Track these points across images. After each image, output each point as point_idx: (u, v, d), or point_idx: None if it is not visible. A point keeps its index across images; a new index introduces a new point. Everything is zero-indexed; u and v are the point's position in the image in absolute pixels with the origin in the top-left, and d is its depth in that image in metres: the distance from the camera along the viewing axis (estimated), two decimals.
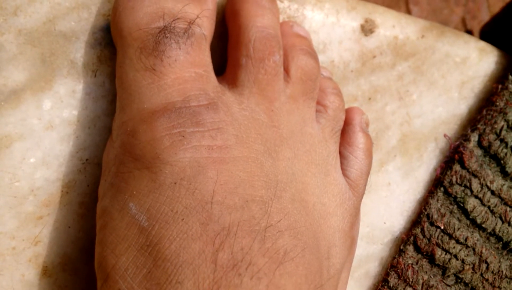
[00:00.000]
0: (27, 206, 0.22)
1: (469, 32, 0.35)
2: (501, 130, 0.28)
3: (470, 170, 0.28)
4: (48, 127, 0.22)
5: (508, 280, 0.29)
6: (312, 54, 0.23)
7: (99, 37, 0.22)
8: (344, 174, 0.23)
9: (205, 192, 0.18)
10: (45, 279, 0.22)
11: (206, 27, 0.20)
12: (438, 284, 0.27)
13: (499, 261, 0.29)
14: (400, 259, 0.28)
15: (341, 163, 0.24)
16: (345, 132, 0.24)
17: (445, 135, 0.29)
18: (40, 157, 0.22)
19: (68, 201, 0.22)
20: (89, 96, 0.22)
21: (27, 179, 0.22)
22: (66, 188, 0.22)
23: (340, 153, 0.24)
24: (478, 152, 0.29)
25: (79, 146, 0.22)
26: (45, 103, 0.22)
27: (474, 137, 0.29)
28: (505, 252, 0.29)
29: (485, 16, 0.35)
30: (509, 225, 0.29)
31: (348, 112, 0.25)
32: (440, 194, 0.28)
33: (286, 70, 0.22)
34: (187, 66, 0.20)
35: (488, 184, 0.28)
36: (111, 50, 0.23)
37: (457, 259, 0.28)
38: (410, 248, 0.28)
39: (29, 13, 0.22)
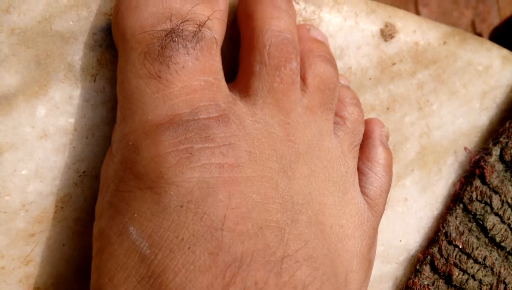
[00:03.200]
0: (18, 222, 0.21)
1: (479, 35, 0.35)
2: None
3: (491, 186, 0.27)
4: (42, 136, 0.21)
5: None
6: (331, 60, 0.22)
7: (99, 39, 0.21)
8: (363, 192, 0.22)
9: (215, 217, 0.16)
10: None
11: (217, 30, 0.19)
12: None
13: None
14: (416, 280, 0.27)
15: (359, 180, 0.22)
16: (364, 146, 0.23)
17: (465, 148, 0.28)
18: (33, 169, 0.21)
19: (63, 217, 0.21)
20: (87, 103, 0.21)
21: (19, 193, 0.21)
22: (61, 203, 0.21)
23: (358, 168, 0.22)
24: (499, 166, 0.28)
25: (75, 157, 0.21)
26: (39, 109, 0.21)
27: (496, 151, 0.28)
28: None
29: (495, 20, 0.35)
30: None
31: (367, 124, 0.23)
32: (459, 211, 0.28)
33: (303, 78, 0.21)
34: (196, 73, 0.18)
35: (509, 201, 0.28)
36: (113, 52, 0.21)
37: (475, 280, 0.27)
38: (427, 268, 0.27)
39: (23, 10, 0.20)
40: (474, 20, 0.35)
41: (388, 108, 0.26)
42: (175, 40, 0.18)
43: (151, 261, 0.16)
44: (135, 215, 0.17)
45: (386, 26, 0.26)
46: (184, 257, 0.16)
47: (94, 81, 0.21)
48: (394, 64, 0.26)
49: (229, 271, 0.15)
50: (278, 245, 0.16)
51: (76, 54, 0.21)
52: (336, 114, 0.22)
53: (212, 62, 0.19)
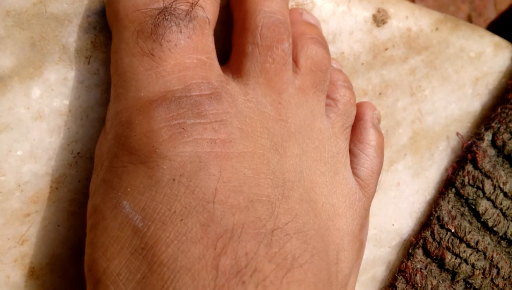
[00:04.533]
0: (13, 203, 0.21)
1: None
2: None
3: (483, 170, 0.27)
4: (37, 117, 0.21)
5: None
6: (323, 43, 0.22)
7: (93, 21, 0.21)
8: (354, 173, 0.22)
9: (207, 190, 0.16)
10: (32, 281, 0.21)
11: (209, 10, 0.19)
12: None
13: (510, 266, 0.28)
14: (409, 263, 0.27)
15: (351, 161, 0.22)
16: (355, 128, 0.23)
17: (457, 134, 0.28)
18: (27, 150, 0.21)
19: (58, 197, 0.21)
20: (81, 85, 0.21)
21: (14, 173, 0.21)
22: (56, 184, 0.21)
23: (349, 150, 0.23)
24: (491, 151, 0.28)
25: (70, 138, 0.21)
26: (34, 91, 0.21)
27: (488, 136, 0.28)
28: None
29: (491, 14, 0.35)
30: None
31: (359, 107, 0.23)
32: (451, 195, 0.28)
33: (295, 60, 0.21)
34: (189, 51, 0.18)
35: (501, 185, 0.28)
36: (106, 35, 0.21)
37: (467, 264, 0.27)
38: (419, 252, 0.27)
39: None
40: (470, 15, 0.35)
41: (380, 93, 0.26)
42: (167, 18, 0.18)
43: (144, 233, 0.16)
44: (128, 190, 0.17)
45: (378, 11, 0.26)
46: (176, 229, 0.16)
47: (89, 63, 0.21)
48: (386, 49, 0.26)
49: (220, 242, 0.15)
50: (268, 218, 0.17)
51: (71, 36, 0.21)
52: (328, 96, 0.22)
53: (205, 42, 0.19)
